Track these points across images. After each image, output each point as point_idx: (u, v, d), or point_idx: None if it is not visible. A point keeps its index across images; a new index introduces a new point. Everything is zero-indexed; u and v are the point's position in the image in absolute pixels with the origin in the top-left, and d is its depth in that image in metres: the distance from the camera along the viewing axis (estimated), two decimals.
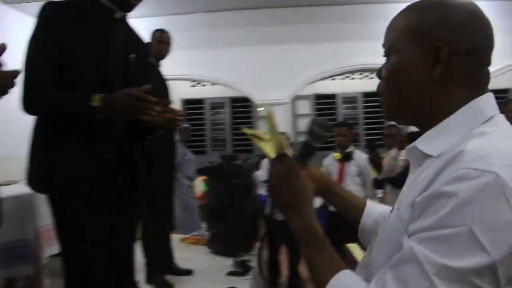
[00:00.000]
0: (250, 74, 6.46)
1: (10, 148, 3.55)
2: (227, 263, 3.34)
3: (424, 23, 0.74)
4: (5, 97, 1.45)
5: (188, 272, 3.20)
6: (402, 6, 0.80)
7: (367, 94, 7.95)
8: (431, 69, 0.73)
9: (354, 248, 1.65)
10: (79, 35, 1.47)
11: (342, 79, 7.89)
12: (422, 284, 0.60)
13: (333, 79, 7.77)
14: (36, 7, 1.50)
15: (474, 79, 0.74)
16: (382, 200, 3.99)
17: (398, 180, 3.42)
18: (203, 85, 8.33)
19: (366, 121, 8.11)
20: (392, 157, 3.96)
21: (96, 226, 1.51)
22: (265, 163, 5.01)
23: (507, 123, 0.73)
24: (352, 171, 3.77)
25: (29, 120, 1.58)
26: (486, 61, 0.75)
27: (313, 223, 0.82)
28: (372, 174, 3.98)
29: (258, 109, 6.65)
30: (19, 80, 1.36)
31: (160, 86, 2.92)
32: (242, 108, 8.25)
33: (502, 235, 0.58)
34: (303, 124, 8.45)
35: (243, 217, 3.65)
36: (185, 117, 1.66)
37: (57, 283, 2.82)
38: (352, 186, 3.62)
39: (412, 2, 0.79)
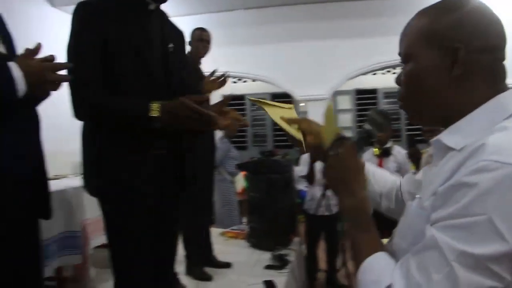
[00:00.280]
0: (290, 70, 6.44)
1: (59, 144, 3.70)
2: (265, 257, 3.36)
3: (439, 26, 0.77)
4: (54, 94, 1.48)
5: (226, 265, 3.25)
6: None
7: None
8: (450, 70, 0.75)
9: None
10: (120, 31, 1.48)
11: (383, 73, 7.70)
12: (442, 269, 0.62)
13: (374, 74, 7.62)
14: None
15: (493, 74, 0.76)
16: None
17: None
18: (244, 81, 8.41)
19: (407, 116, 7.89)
20: (429, 153, 3.84)
21: (146, 225, 1.54)
22: (304, 158, 4.98)
23: None
24: (391, 166, 3.71)
25: None
26: (501, 56, 0.77)
27: (364, 205, 0.87)
28: (411, 169, 3.88)
29: (299, 105, 6.62)
30: (67, 78, 1.37)
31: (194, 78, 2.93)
32: None
33: None
34: (344, 119, 8.34)
35: (282, 211, 3.66)
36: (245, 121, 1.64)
37: (101, 272, 2.96)
38: None
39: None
